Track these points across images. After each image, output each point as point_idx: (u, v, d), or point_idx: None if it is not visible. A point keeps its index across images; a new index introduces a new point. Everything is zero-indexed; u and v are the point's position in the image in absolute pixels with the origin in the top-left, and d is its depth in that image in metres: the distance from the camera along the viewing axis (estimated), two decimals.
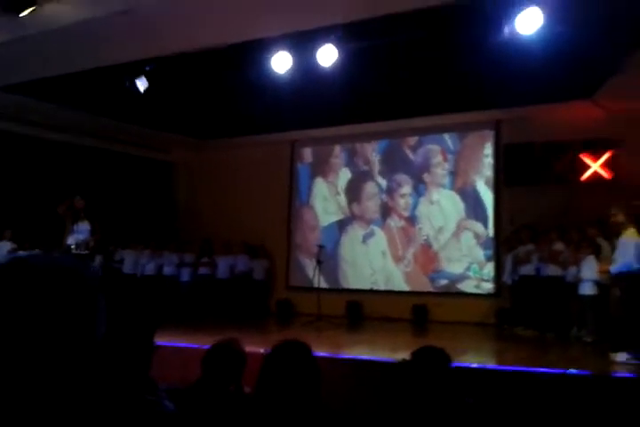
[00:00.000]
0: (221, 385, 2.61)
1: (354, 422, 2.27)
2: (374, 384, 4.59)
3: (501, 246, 9.23)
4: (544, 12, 5.75)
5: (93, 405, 0.84)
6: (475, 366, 4.85)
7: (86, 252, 8.00)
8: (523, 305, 7.99)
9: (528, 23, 5.87)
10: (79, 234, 7.95)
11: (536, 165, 9.29)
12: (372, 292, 10.37)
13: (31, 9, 5.55)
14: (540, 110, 8.99)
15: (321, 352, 5.35)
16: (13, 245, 9.76)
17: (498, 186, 9.73)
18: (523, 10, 5.83)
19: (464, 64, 7.36)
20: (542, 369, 4.63)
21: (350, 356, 5.26)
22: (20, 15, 5.63)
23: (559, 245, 7.75)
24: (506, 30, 6.08)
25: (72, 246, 7.88)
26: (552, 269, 7.67)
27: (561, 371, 4.55)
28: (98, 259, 9.67)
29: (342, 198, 11.14)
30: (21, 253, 9.81)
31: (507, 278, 8.55)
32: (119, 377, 1.49)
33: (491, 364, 5.53)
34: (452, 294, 9.75)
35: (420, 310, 9.57)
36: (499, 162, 9.77)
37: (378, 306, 9.91)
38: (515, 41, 6.16)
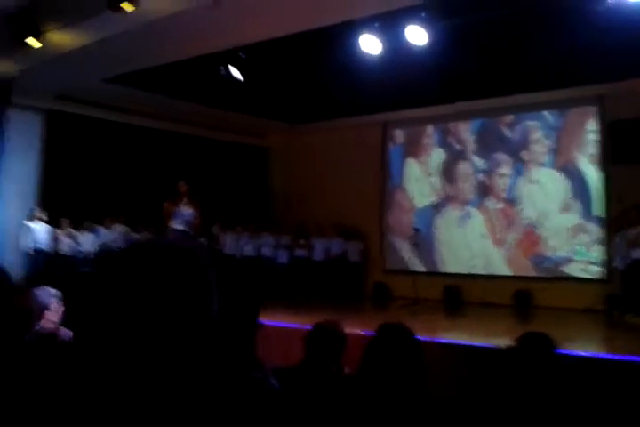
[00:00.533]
0: (323, 366, 2.67)
1: (454, 408, 2.23)
2: (474, 370, 4.50)
3: (610, 228, 8.65)
4: None
5: (205, 380, 0.87)
6: (582, 354, 4.62)
7: (190, 233, 8.32)
8: (635, 291, 7.48)
9: None
10: (182, 217, 8.27)
11: None
12: (471, 276, 10.12)
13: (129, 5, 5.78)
14: None
15: (417, 336, 5.32)
16: (126, 227, 10.48)
17: (604, 164, 9.11)
18: None
19: (562, 37, 6.92)
20: None
21: (448, 340, 5.17)
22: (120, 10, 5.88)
23: None
24: None
25: (176, 229, 8.20)
26: None
27: None
28: (201, 240, 10.14)
29: (436, 180, 10.90)
30: (134, 235, 10.53)
31: (618, 263, 8.01)
32: (228, 354, 1.56)
33: (599, 352, 5.23)
34: (557, 278, 9.31)
35: (523, 296, 9.22)
36: (604, 139, 9.14)
37: (477, 291, 9.66)
38: (619, 10, 5.69)
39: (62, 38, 6.58)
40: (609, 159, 9.06)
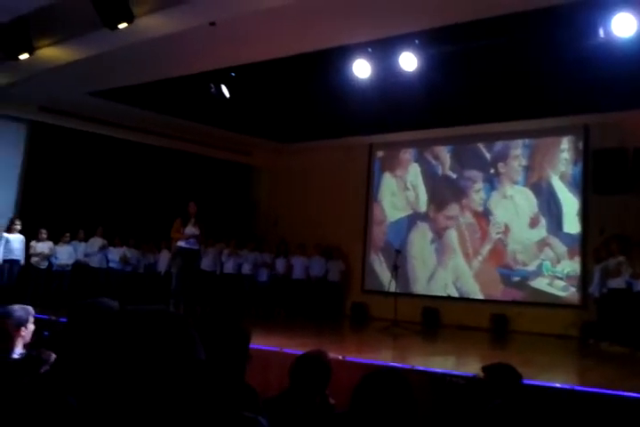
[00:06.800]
0: (308, 397, 2.67)
1: None
2: (448, 399, 4.51)
3: (592, 257, 8.77)
4: (638, 17, 5.49)
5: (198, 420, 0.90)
6: (558, 386, 4.65)
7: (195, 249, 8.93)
8: (610, 319, 7.60)
9: (622, 27, 5.62)
10: (188, 236, 8.72)
11: (629, 172, 8.82)
12: (448, 298, 10.23)
13: (126, 24, 5.83)
14: (633, 115, 8.55)
15: (397, 363, 5.34)
16: (104, 241, 10.36)
17: (585, 192, 9.33)
18: (615, 14, 5.61)
19: (547, 69, 7.13)
20: (631, 394, 4.31)
21: (425, 368, 5.18)
22: (116, 29, 5.93)
23: None
24: (600, 34, 5.85)
25: (183, 246, 8.73)
26: None
27: None
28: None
29: (411, 194, 11.06)
30: (111, 248, 10.42)
31: (594, 290, 8.16)
32: (218, 391, 1.57)
33: (573, 383, 5.24)
34: (533, 303, 9.46)
35: (500, 320, 9.33)
36: (587, 168, 9.37)
37: (455, 313, 9.75)
38: (606, 45, 5.91)
39: (54, 53, 6.57)
40: (590, 188, 9.25)
